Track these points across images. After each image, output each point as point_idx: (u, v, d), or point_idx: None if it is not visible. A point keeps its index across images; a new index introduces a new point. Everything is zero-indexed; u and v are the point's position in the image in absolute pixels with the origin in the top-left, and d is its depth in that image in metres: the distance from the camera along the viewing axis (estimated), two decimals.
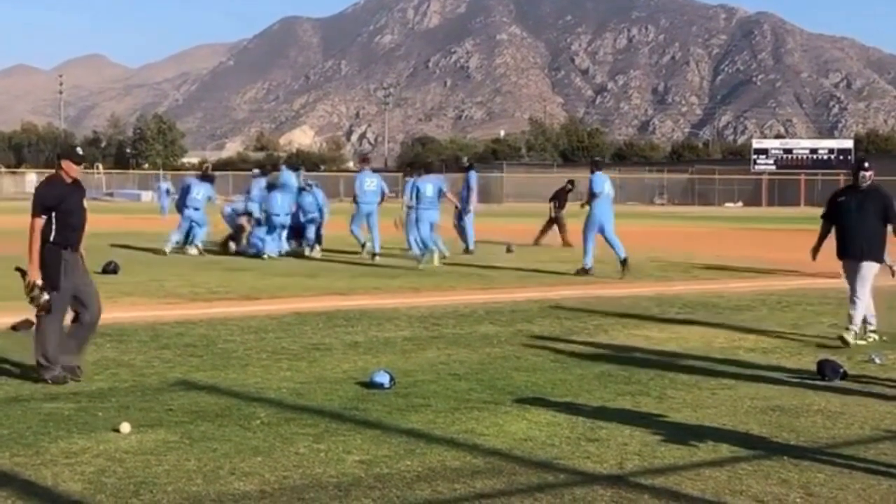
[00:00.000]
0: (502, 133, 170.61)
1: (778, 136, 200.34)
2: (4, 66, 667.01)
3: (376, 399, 8.47)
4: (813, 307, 15.42)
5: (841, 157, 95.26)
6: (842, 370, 9.77)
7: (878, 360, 10.60)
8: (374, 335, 12.01)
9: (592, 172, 20.86)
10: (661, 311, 14.86)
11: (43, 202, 9.19)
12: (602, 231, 20.30)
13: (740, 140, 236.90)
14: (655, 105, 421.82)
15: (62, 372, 9.01)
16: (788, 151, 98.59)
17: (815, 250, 12.42)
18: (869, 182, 12.01)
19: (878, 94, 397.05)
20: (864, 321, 11.95)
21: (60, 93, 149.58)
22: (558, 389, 9.06)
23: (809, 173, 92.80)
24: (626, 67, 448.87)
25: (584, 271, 20.07)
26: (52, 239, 9.08)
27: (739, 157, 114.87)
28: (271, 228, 23.91)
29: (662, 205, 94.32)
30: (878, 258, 11.91)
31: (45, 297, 8.98)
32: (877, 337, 12.03)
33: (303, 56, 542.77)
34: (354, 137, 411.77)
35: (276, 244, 23.96)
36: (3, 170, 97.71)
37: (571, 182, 30.75)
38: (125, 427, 7.23)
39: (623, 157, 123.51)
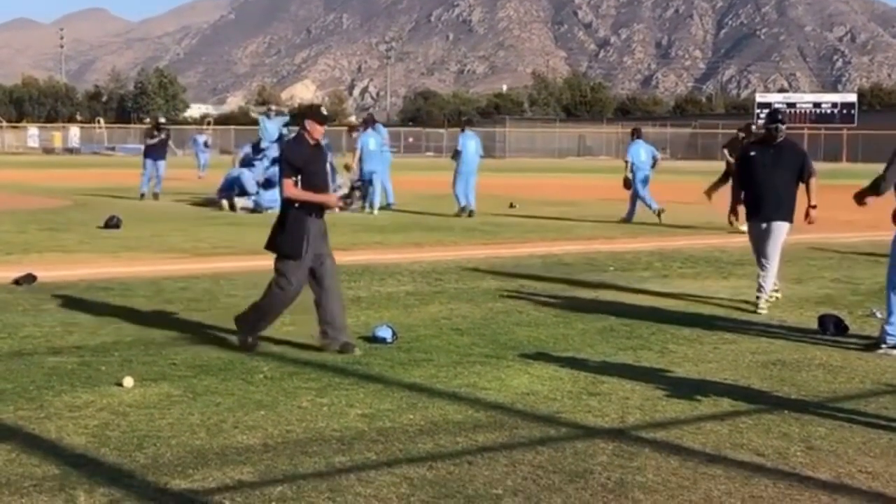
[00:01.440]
0: (505, 88, 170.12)
1: (781, 91, 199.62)
2: (5, 20, 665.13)
3: (379, 353, 8.49)
4: (815, 262, 15.41)
5: (844, 112, 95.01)
6: (843, 325, 9.78)
7: (878, 315, 10.60)
8: (376, 290, 12.03)
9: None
10: (663, 265, 14.86)
11: (292, 162, 8.60)
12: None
13: (744, 94, 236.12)
14: (658, 59, 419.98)
15: (255, 339, 8.71)
16: (792, 105, 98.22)
17: (731, 216, 12.18)
18: (783, 136, 11.05)
19: (883, 48, 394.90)
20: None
21: (61, 46, 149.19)
22: (560, 344, 9.08)
23: (813, 127, 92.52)
24: (630, 21, 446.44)
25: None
26: (295, 204, 8.59)
27: (743, 111, 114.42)
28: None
29: (664, 159, 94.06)
30: (790, 218, 11.00)
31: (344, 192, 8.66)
32: (779, 296, 11.50)
33: (304, 9, 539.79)
34: (356, 92, 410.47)
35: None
36: (5, 124, 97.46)
37: (747, 128, 27.09)
38: (128, 381, 7.25)
39: (626, 112, 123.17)
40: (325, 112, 9.13)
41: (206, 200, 25.45)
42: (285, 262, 8.62)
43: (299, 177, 8.52)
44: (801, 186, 11.05)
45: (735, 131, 22.68)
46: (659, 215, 21.62)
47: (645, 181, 22.68)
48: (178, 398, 6.97)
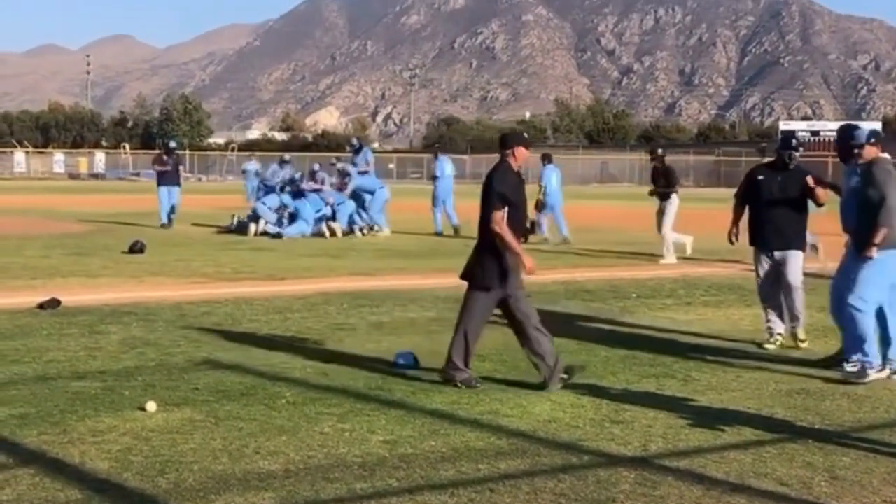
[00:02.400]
0: (528, 114, 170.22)
1: (805, 119, 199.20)
2: (33, 46, 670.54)
3: (401, 379, 8.49)
4: None
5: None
6: None
7: None
8: (398, 316, 12.03)
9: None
10: (686, 293, 14.81)
11: (505, 195, 8.34)
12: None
13: (767, 122, 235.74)
14: (682, 87, 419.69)
15: (472, 376, 8.44)
16: (816, 134, 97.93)
17: (732, 233, 10.91)
18: (795, 164, 10.56)
19: None
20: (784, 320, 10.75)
21: (88, 73, 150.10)
22: (583, 371, 9.05)
23: (837, 156, 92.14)
24: (653, 48, 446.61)
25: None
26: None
27: (766, 139, 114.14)
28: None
29: (688, 186, 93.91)
30: (796, 245, 10.50)
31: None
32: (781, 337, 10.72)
33: (329, 36, 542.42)
34: (380, 118, 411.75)
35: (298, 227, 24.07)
36: (31, 150, 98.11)
37: (653, 152, 26.78)
38: (151, 406, 7.27)
39: (649, 139, 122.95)
40: (526, 136, 9.06)
41: (229, 227, 25.44)
42: (476, 293, 8.50)
43: (506, 209, 8.28)
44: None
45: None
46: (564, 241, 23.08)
47: (555, 206, 24.06)
48: (200, 423, 6.98)
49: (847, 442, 6.84)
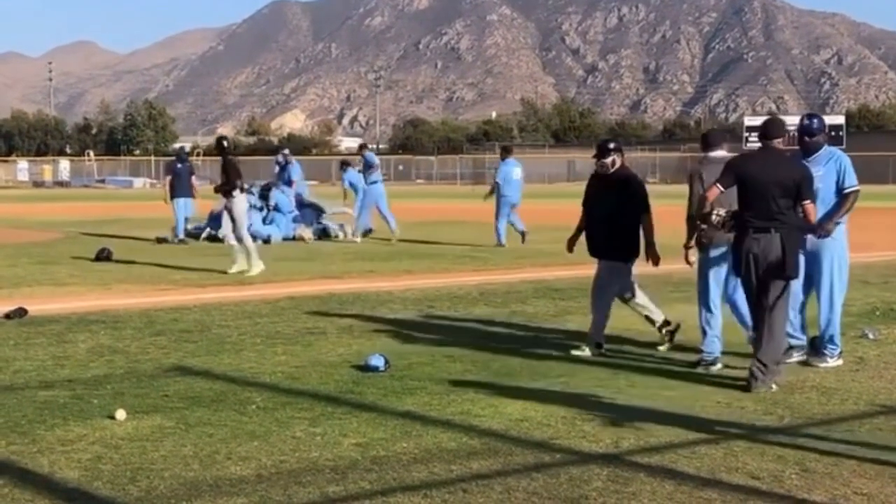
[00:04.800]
0: (494, 114, 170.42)
1: (770, 114, 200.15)
2: None
3: (371, 382, 8.48)
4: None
5: (833, 133, 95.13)
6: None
7: (871, 336, 10.62)
8: (368, 318, 12.01)
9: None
10: (654, 290, 14.85)
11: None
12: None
13: (732, 118, 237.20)
14: (647, 84, 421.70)
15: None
16: None
17: (571, 241, 10.92)
18: (616, 168, 10.08)
19: (869, 70, 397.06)
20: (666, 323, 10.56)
21: (50, 80, 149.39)
22: (553, 369, 9.08)
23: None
24: (617, 47, 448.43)
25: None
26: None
27: (731, 134, 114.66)
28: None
29: (654, 183, 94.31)
30: (620, 256, 10.29)
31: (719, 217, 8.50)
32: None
33: (293, 40, 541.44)
34: (346, 121, 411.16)
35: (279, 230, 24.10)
36: None
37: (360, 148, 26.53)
38: (121, 414, 7.23)
39: (615, 137, 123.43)
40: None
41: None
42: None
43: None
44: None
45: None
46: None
47: (507, 208, 23.36)
48: (170, 430, 6.94)
49: (817, 435, 6.88)
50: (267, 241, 22.99)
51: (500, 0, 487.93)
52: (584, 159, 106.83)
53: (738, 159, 8.82)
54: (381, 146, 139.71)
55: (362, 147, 27.84)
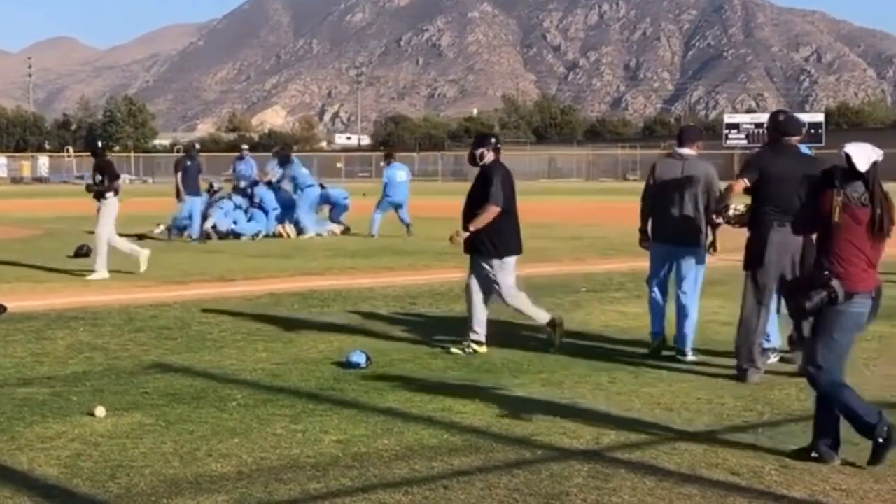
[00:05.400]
0: (475, 111, 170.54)
1: (749, 111, 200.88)
2: None
3: (353, 379, 8.47)
4: None
5: (812, 131, 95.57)
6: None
7: None
8: (349, 315, 12.00)
9: None
10: (635, 286, 14.87)
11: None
12: None
13: (712, 115, 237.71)
14: (627, 81, 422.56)
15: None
16: (760, 126, 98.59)
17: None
18: (484, 161, 9.97)
19: (849, 68, 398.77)
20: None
21: (30, 76, 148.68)
22: (534, 366, 9.09)
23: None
24: (598, 44, 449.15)
25: None
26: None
27: (711, 131, 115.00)
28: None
29: (636, 180, 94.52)
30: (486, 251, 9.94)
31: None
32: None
33: (273, 35, 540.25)
34: (327, 117, 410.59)
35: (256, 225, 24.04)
36: None
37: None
38: (100, 411, 7.20)
39: (596, 134, 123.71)
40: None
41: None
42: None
43: None
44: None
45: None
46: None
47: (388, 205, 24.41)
48: (150, 427, 6.92)
49: (797, 430, 6.91)
50: (238, 235, 22.95)
51: None
52: (565, 156, 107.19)
53: (761, 155, 8.87)
54: (362, 143, 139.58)
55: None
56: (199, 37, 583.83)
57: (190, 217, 23.07)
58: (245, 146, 28.72)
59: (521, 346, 10.07)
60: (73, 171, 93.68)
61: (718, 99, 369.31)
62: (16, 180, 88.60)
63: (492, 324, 11.33)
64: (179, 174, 23.32)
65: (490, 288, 9.96)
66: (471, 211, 9.95)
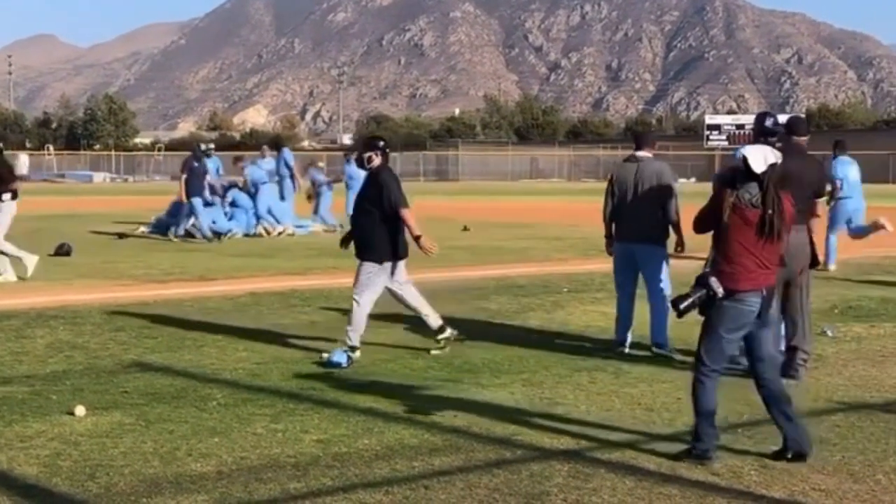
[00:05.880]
0: (457, 111, 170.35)
1: (730, 112, 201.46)
2: None
3: (333, 378, 8.47)
4: None
5: None
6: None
7: (829, 333, 10.71)
8: (331, 315, 11.99)
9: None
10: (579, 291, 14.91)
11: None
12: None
13: (693, 116, 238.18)
14: (609, 82, 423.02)
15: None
16: (741, 127, 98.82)
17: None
18: (371, 165, 9.76)
19: (829, 70, 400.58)
20: None
21: (10, 73, 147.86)
22: (515, 366, 9.10)
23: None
24: (580, 44, 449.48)
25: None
26: None
27: (692, 132, 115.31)
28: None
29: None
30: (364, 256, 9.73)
31: None
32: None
33: (255, 34, 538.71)
34: (309, 116, 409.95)
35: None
36: None
37: None
38: (80, 410, 7.18)
39: (577, 135, 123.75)
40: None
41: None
42: None
43: None
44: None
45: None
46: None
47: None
48: (130, 426, 6.91)
49: (776, 431, 6.93)
50: (221, 235, 22.87)
51: None
52: (547, 156, 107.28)
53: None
54: (344, 142, 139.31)
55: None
56: (181, 35, 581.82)
57: (175, 216, 23.03)
58: (211, 144, 28.52)
59: (501, 346, 10.08)
60: (53, 170, 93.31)
61: (699, 100, 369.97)
62: None
63: (472, 324, 11.35)
64: (185, 176, 22.61)
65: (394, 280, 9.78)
66: (359, 213, 9.75)
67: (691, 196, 11.68)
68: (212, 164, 25.87)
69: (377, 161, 9.76)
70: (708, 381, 6.39)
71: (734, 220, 6.22)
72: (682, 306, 6.40)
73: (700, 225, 6.59)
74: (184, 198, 22.61)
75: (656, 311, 9.77)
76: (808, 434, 6.38)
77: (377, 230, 9.55)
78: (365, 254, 9.65)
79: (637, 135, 10.66)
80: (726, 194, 6.27)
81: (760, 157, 6.22)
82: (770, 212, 6.17)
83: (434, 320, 9.91)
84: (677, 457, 6.27)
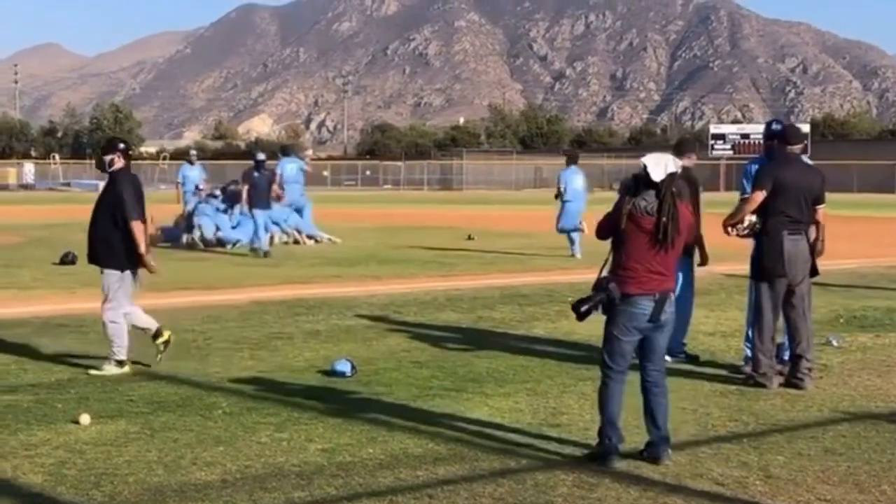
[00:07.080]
0: (462, 120, 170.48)
1: (735, 122, 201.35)
2: None
3: (338, 387, 8.46)
4: None
5: None
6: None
7: (835, 343, 10.69)
8: (335, 323, 11.99)
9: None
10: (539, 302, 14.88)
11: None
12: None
13: (698, 125, 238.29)
14: (613, 91, 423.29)
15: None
16: (746, 136, 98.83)
17: None
18: (113, 168, 9.33)
19: (834, 79, 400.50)
20: None
21: (16, 82, 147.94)
22: (519, 375, 9.09)
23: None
24: (584, 54, 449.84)
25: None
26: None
27: (697, 142, 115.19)
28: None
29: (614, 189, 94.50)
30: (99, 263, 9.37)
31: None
32: None
33: (260, 44, 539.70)
34: (313, 125, 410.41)
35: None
36: None
37: None
38: (85, 418, 7.18)
39: (582, 144, 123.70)
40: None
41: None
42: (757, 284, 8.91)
43: None
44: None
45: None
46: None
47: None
48: (135, 435, 6.91)
49: (781, 441, 6.93)
50: (224, 243, 22.90)
51: (468, 6, 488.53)
52: (551, 165, 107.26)
53: (774, 165, 8.93)
54: (348, 151, 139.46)
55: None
56: (186, 44, 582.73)
57: (190, 221, 23.47)
58: (194, 151, 28.51)
59: (506, 355, 10.07)
60: (59, 178, 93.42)
61: (704, 109, 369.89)
62: (1, 187, 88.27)
63: (477, 333, 11.35)
64: (246, 187, 21.97)
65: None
66: (98, 218, 9.28)
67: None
68: (196, 171, 26.04)
69: (119, 164, 9.32)
70: (612, 382, 6.53)
71: (630, 227, 6.37)
72: (582, 309, 6.56)
73: (601, 231, 6.68)
74: (246, 209, 22.24)
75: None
76: (668, 444, 6.48)
77: (119, 235, 9.12)
78: (107, 261, 9.21)
79: (677, 142, 10.73)
80: (625, 202, 6.38)
81: (661, 166, 6.31)
82: (664, 219, 6.29)
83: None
84: (580, 459, 6.40)
